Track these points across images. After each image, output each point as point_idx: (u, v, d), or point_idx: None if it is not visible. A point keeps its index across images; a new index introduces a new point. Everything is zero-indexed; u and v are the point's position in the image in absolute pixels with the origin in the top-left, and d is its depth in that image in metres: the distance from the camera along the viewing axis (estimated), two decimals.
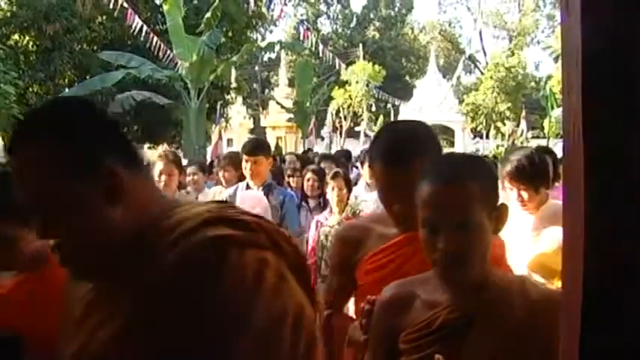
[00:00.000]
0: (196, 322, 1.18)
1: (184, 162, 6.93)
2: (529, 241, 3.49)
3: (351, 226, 2.54)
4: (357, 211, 5.46)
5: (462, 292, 1.71)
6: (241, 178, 5.74)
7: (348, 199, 5.83)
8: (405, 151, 2.09)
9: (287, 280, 1.28)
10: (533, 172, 3.48)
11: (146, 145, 26.86)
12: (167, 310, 1.19)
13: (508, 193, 3.60)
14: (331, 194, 5.79)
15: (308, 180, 6.99)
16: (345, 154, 11.87)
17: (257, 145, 5.32)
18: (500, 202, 1.76)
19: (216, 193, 6.12)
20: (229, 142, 30.54)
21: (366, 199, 5.86)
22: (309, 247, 5.69)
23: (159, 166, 5.12)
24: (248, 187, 5.24)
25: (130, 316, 1.24)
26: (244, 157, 5.20)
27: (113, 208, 1.28)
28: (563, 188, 0.91)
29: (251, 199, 4.81)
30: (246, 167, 5.18)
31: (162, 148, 26.94)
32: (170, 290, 1.20)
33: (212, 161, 11.04)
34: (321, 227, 5.61)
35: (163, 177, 5.07)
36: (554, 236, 3.37)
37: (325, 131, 35.00)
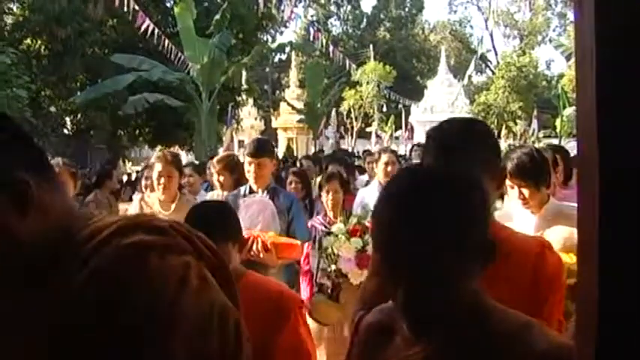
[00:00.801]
0: (120, 333, 1.12)
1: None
2: None
3: None
4: (364, 222, 4.98)
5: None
6: (237, 182, 5.50)
7: (344, 201, 5.59)
8: None
9: (209, 282, 1.26)
10: (534, 170, 3.44)
11: (158, 147, 26.96)
12: (88, 324, 1.13)
13: (509, 192, 3.59)
14: (325, 198, 5.53)
15: (290, 183, 6.77)
16: (348, 155, 11.68)
17: (261, 147, 4.92)
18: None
19: (216, 197, 5.91)
20: (240, 143, 30.57)
21: None
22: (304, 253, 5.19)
23: (157, 168, 4.94)
24: (251, 191, 4.87)
25: (47, 333, 1.16)
26: (248, 159, 4.82)
27: (22, 219, 1.22)
28: (578, 190, 0.90)
29: (257, 204, 4.65)
30: (249, 170, 4.81)
31: (175, 150, 27.06)
32: (89, 303, 1.14)
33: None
34: (317, 232, 5.24)
35: (162, 179, 4.89)
36: (558, 235, 3.34)
37: (330, 131, 34.93)
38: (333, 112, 26.37)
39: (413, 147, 10.28)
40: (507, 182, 3.47)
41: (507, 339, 1.42)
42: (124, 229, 1.23)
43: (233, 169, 5.79)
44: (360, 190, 7.12)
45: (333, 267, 4.91)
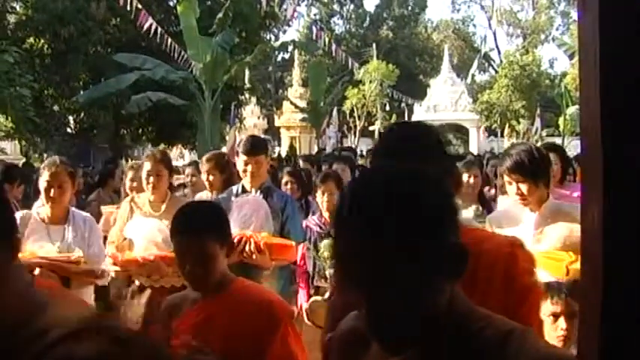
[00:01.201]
0: None
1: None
2: (531, 239, 3.40)
3: None
4: None
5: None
6: (227, 182, 5.38)
7: None
8: None
9: None
10: (532, 166, 3.42)
11: (161, 146, 26.99)
12: None
13: (507, 189, 3.59)
14: (321, 199, 5.38)
15: (286, 184, 6.54)
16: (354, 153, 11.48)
17: (257, 144, 4.73)
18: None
19: (205, 198, 5.77)
20: None
21: None
22: (299, 254, 5.07)
23: (146, 167, 4.80)
24: (244, 190, 4.69)
25: None
26: (243, 157, 4.63)
27: None
28: (582, 188, 0.90)
29: (250, 204, 4.52)
30: (245, 169, 4.62)
31: (178, 148, 27.10)
32: None
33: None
34: (312, 233, 5.19)
35: (152, 178, 4.75)
36: (558, 233, 3.38)
37: (332, 130, 34.89)
38: (335, 111, 26.32)
39: None
40: (506, 178, 3.51)
41: (490, 349, 1.28)
42: (81, 334, 1.07)
43: (223, 168, 5.67)
44: None
45: (332, 271, 4.80)
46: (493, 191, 7.18)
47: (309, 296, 5.10)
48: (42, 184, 4.36)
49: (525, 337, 1.29)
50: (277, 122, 36.15)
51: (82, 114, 21.84)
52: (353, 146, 30.13)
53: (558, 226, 3.42)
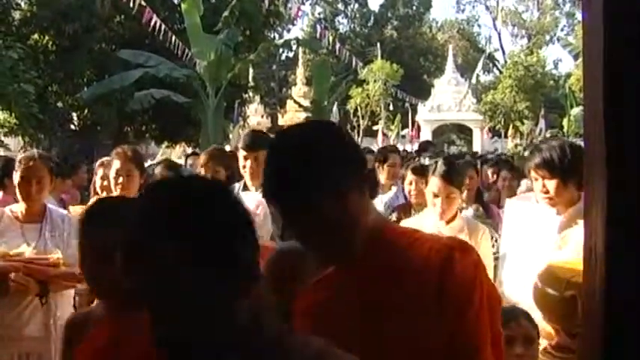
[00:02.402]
0: None
1: None
2: (553, 245, 3.14)
3: None
4: None
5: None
6: (229, 178, 5.08)
7: None
8: None
9: None
10: (562, 163, 3.14)
11: (164, 144, 26.99)
12: None
13: (534, 185, 3.33)
14: None
15: None
16: None
17: (257, 139, 4.38)
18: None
19: None
20: None
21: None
22: None
23: (115, 165, 4.43)
24: (245, 187, 4.41)
25: None
26: (243, 152, 4.36)
27: None
28: (585, 188, 0.89)
29: (248, 202, 4.03)
30: (245, 165, 4.34)
31: (181, 146, 27.09)
32: None
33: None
34: None
35: (121, 178, 4.40)
36: (580, 238, 3.00)
37: None
38: (335, 108, 26.03)
39: (420, 147, 10.07)
40: (532, 174, 3.28)
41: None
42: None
43: (227, 164, 5.31)
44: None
45: None
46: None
47: None
48: (16, 178, 3.98)
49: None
50: (281, 121, 36.14)
51: (86, 111, 21.83)
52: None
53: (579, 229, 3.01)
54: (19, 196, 4.01)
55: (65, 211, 4.26)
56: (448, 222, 3.88)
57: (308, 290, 1.73)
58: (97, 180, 5.23)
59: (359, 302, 1.63)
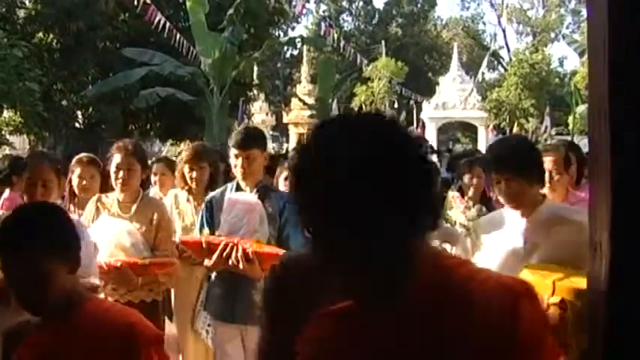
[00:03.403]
0: None
1: None
2: (520, 252, 2.92)
3: None
4: None
5: None
6: (212, 175, 4.99)
7: None
8: None
9: None
10: (518, 159, 2.90)
11: (169, 142, 27.02)
12: None
13: (496, 189, 3.07)
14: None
15: (286, 179, 5.23)
16: None
17: (250, 136, 4.10)
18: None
19: (175, 196, 5.11)
20: None
21: None
22: None
23: (115, 159, 4.24)
24: (239, 188, 4.14)
25: None
26: (234, 151, 4.05)
27: None
28: (590, 186, 0.88)
29: (242, 204, 3.99)
30: (236, 165, 4.05)
31: (186, 144, 27.12)
32: None
33: None
34: None
35: (121, 173, 4.22)
36: (552, 245, 2.82)
37: None
38: (335, 104, 25.78)
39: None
40: (493, 176, 3.01)
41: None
42: None
43: (207, 159, 5.08)
44: None
45: None
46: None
47: None
48: (25, 179, 3.76)
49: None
50: (285, 119, 36.16)
51: (91, 109, 21.88)
52: None
53: (554, 234, 2.85)
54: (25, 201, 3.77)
55: (75, 216, 3.77)
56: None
57: (319, 320, 1.45)
58: (75, 179, 4.87)
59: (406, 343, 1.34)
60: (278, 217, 4.01)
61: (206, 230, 4.19)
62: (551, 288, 2.61)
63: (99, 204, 4.34)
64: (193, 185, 5.02)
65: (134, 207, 4.26)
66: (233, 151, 4.06)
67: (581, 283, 2.29)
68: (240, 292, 3.96)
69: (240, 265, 3.75)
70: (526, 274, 2.67)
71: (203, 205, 4.39)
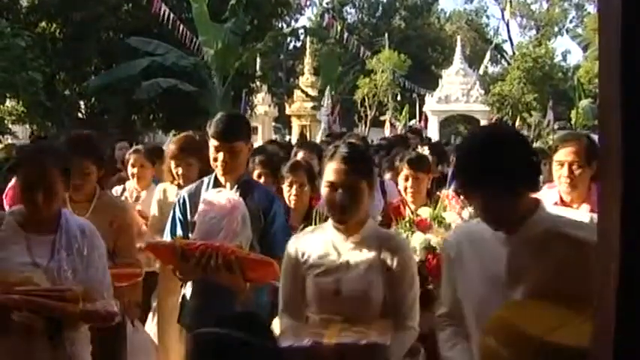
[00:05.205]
0: None
1: None
2: (503, 278, 2.26)
3: None
4: None
5: None
6: (202, 172, 4.16)
7: (311, 199, 4.40)
8: None
9: None
10: (491, 170, 2.14)
11: (172, 133, 26.97)
12: None
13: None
14: (287, 193, 4.39)
15: (259, 176, 4.74)
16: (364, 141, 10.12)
17: (233, 127, 3.50)
18: None
19: (165, 192, 4.74)
20: (254, 130, 30.48)
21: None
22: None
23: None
24: (217, 183, 3.57)
25: None
26: (214, 142, 3.46)
27: None
28: (600, 185, 0.87)
29: (221, 204, 3.37)
30: (217, 158, 3.47)
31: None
32: None
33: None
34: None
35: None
36: (544, 270, 2.18)
37: (323, 113, 34.24)
38: (327, 91, 25.63)
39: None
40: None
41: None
42: None
43: (195, 154, 4.61)
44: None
45: None
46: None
47: None
48: (20, 181, 2.98)
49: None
50: (288, 110, 36.10)
51: (93, 99, 21.85)
52: (362, 135, 29.90)
53: (548, 256, 2.17)
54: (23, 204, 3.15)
55: (85, 221, 3.20)
56: None
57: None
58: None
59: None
60: (262, 215, 3.51)
61: (179, 232, 3.59)
62: (536, 350, 1.98)
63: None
64: (181, 182, 4.59)
65: (91, 207, 3.81)
66: (213, 142, 3.46)
67: (577, 337, 1.77)
68: (218, 305, 3.26)
69: (220, 274, 3.19)
70: (499, 322, 2.10)
71: (175, 203, 3.76)
